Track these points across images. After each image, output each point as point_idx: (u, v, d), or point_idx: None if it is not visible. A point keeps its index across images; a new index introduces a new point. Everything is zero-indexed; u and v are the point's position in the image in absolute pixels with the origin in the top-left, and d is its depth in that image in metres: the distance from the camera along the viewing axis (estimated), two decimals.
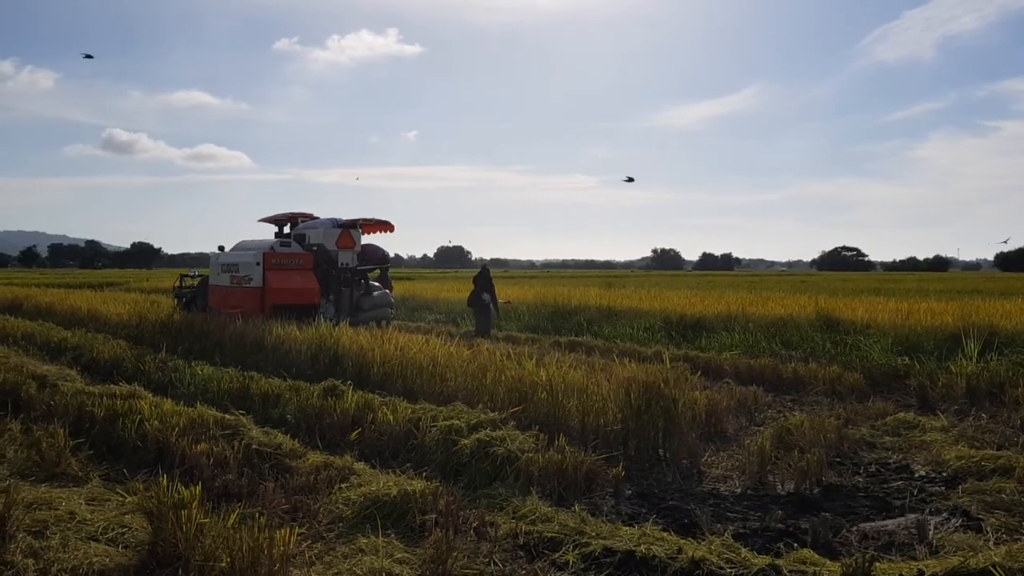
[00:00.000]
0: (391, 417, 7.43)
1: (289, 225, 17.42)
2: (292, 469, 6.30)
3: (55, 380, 9.60)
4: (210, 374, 9.98)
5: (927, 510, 5.68)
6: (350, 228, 16.50)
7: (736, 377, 11.16)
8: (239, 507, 5.12)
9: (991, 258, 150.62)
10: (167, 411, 7.46)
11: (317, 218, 17.12)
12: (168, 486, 4.70)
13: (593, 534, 4.87)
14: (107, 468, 6.65)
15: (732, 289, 27.40)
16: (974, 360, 10.59)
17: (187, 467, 6.25)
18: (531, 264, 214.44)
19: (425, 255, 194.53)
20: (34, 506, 5.23)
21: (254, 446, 6.65)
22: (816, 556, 4.52)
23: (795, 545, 4.85)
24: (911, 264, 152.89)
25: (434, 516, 5.12)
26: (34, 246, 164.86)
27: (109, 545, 4.74)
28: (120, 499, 5.51)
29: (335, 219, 16.62)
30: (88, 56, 28.55)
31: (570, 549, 4.73)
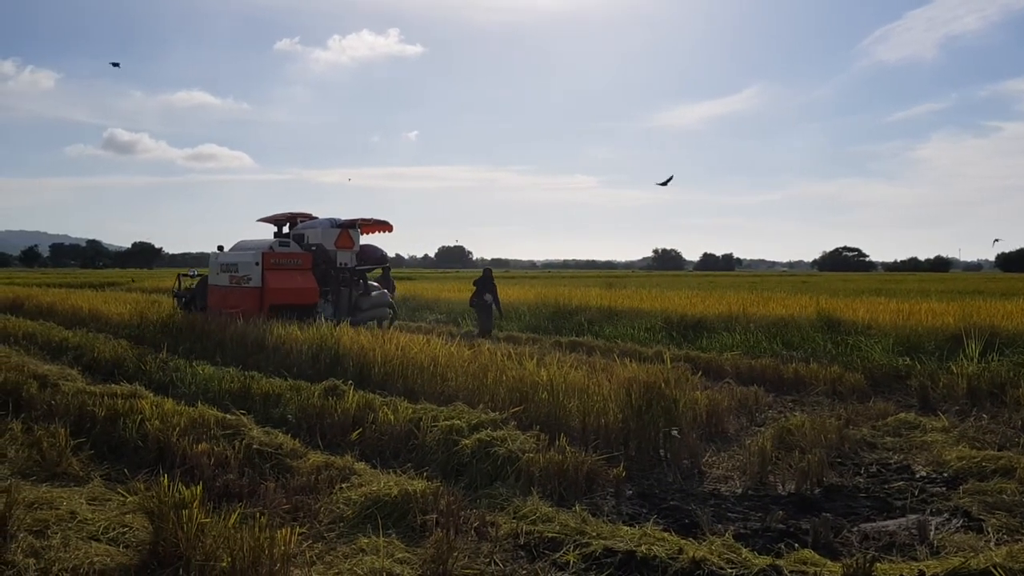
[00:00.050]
0: (392, 417, 7.43)
1: (288, 225, 17.45)
2: (293, 469, 6.31)
3: (56, 380, 9.61)
4: (211, 374, 9.98)
5: (928, 511, 5.68)
6: (349, 228, 16.54)
7: (737, 377, 11.16)
8: (240, 507, 5.12)
9: (992, 259, 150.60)
10: (168, 411, 7.46)
11: (316, 218, 17.16)
12: (169, 486, 4.70)
13: (594, 534, 4.87)
14: (108, 468, 6.65)
15: (733, 289, 27.39)
16: (975, 361, 10.59)
17: (188, 467, 6.26)
18: (532, 264, 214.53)
19: (426, 255, 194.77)
20: (35, 506, 5.23)
21: (255, 446, 6.65)
22: (817, 556, 4.52)
23: (796, 545, 4.85)
24: (912, 264, 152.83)
25: (435, 516, 5.12)
26: (35, 246, 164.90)
27: (110, 545, 4.75)
28: (121, 499, 5.51)
29: (334, 219, 16.65)
30: (115, 64, 27.76)
31: (571, 549, 4.73)
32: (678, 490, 6.35)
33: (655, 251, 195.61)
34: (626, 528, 5.05)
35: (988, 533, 5.16)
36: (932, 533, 5.13)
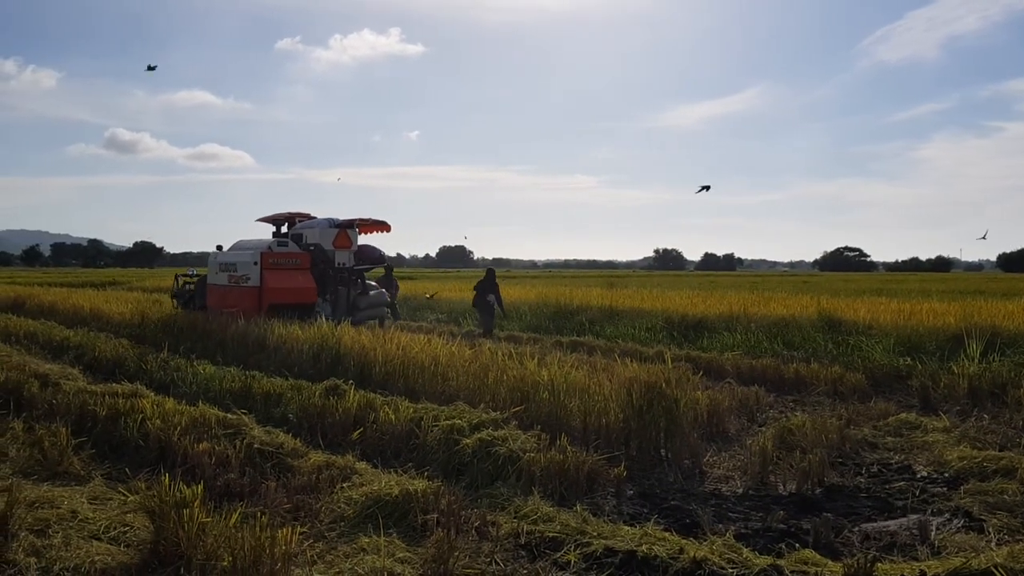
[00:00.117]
0: (393, 417, 7.44)
1: (287, 225, 17.51)
2: (294, 468, 6.31)
3: (57, 379, 9.61)
4: (212, 373, 9.98)
5: (929, 511, 5.68)
6: (347, 228, 16.60)
7: (738, 377, 11.16)
8: (241, 506, 5.12)
9: (994, 259, 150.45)
10: (169, 410, 7.47)
11: (314, 218, 17.21)
12: (170, 485, 4.70)
13: (595, 534, 4.87)
14: (109, 467, 6.66)
15: (734, 289, 27.38)
16: (976, 361, 10.58)
17: (189, 466, 6.26)
18: (533, 264, 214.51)
19: (427, 255, 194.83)
20: (36, 505, 5.24)
21: (256, 445, 6.65)
22: (818, 556, 4.52)
23: (797, 545, 4.84)
24: (913, 264, 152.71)
25: (436, 516, 5.12)
26: (37, 245, 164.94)
27: (111, 544, 4.75)
28: (122, 498, 5.52)
29: (332, 219, 16.71)
30: (152, 68, 26.60)
31: (572, 549, 4.73)
32: (679, 490, 6.35)
33: (656, 251, 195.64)
34: (627, 528, 5.06)
35: (989, 533, 5.16)
36: (933, 533, 5.13)
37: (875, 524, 5.44)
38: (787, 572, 4.30)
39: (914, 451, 7.48)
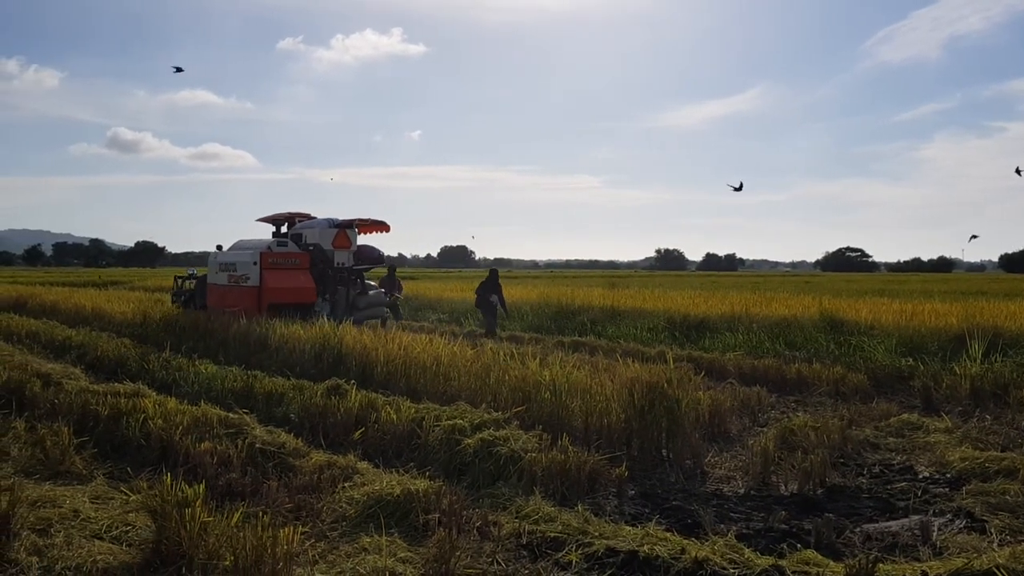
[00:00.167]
0: (394, 416, 7.44)
1: (286, 225, 17.56)
2: (296, 468, 6.31)
3: (59, 378, 9.62)
4: (214, 373, 9.99)
5: (931, 511, 5.67)
6: (346, 228, 16.67)
7: (740, 378, 11.15)
8: (243, 506, 5.13)
9: (996, 259, 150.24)
10: (171, 410, 7.47)
11: (314, 218, 17.25)
12: (172, 484, 4.71)
13: (596, 534, 4.87)
14: (111, 466, 6.66)
15: (736, 289, 27.37)
16: (978, 361, 10.57)
17: (191, 466, 6.26)
18: (534, 264, 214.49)
19: (429, 255, 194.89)
20: (38, 504, 5.25)
21: (258, 445, 6.66)
22: (820, 557, 4.51)
23: (799, 546, 4.84)
24: (915, 265, 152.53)
25: (437, 515, 5.11)
26: (39, 245, 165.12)
27: (113, 543, 4.76)
28: (124, 497, 5.52)
29: (331, 219, 16.78)
30: (178, 69, 26.28)
31: (573, 549, 4.73)
32: (680, 490, 6.35)
33: (658, 251, 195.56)
34: (628, 528, 5.05)
35: (991, 534, 5.16)
36: (935, 534, 5.12)
37: (877, 525, 5.43)
38: (789, 572, 4.29)
39: (916, 452, 7.48)
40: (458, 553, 4.53)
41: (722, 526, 5.33)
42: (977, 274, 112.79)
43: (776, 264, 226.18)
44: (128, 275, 58.44)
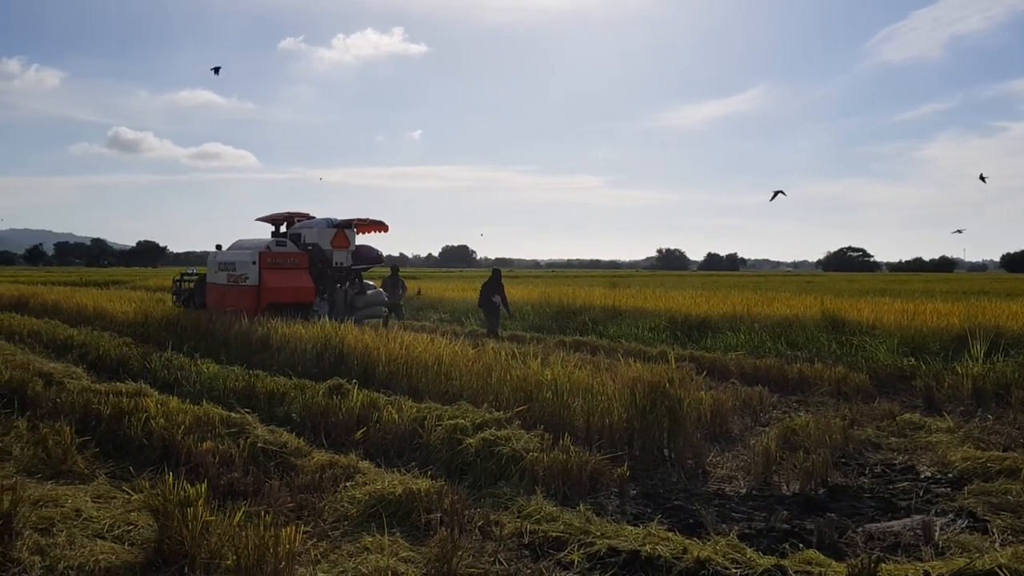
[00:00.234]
0: (396, 416, 7.44)
1: (285, 225, 17.60)
2: (297, 467, 6.31)
3: (61, 378, 9.63)
4: (216, 372, 10.00)
5: (933, 511, 5.67)
6: (345, 228, 16.72)
7: (741, 377, 11.15)
8: (245, 505, 5.13)
9: (998, 259, 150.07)
10: (173, 409, 7.47)
11: (313, 218, 17.29)
12: (174, 484, 4.71)
13: (598, 534, 4.87)
14: (113, 466, 6.67)
15: (737, 289, 27.36)
16: (980, 361, 10.57)
17: (193, 465, 6.26)
18: (536, 264, 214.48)
19: (430, 254, 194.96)
20: (40, 503, 5.25)
21: (260, 444, 6.66)
22: (822, 557, 4.51)
23: (800, 546, 4.84)
24: (917, 265, 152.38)
25: (439, 515, 5.11)
26: (40, 244, 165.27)
27: (115, 542, 4.76)
28: (126, 497, 5.53)
29: (330, 219, 16.83)
30: (216, 70, 25.77)
31: (575, 548, 4.73)
32: (682, 490, 6.35)
33: (659, 251, 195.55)
34: (630, 528, 5.05)
35: (993, 534, 5.15)
36: (937, 534, 5.12)
37: (879, 524, 5.43)
38: (791, 572, 4.29)
39: (918, 451, 7.47)
40: (460, 553, 4.53)
41: (724, 526, 5.33)
42: (979, 274, 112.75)
43: (778, 264, 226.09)
44: (130, 275, 58.51)
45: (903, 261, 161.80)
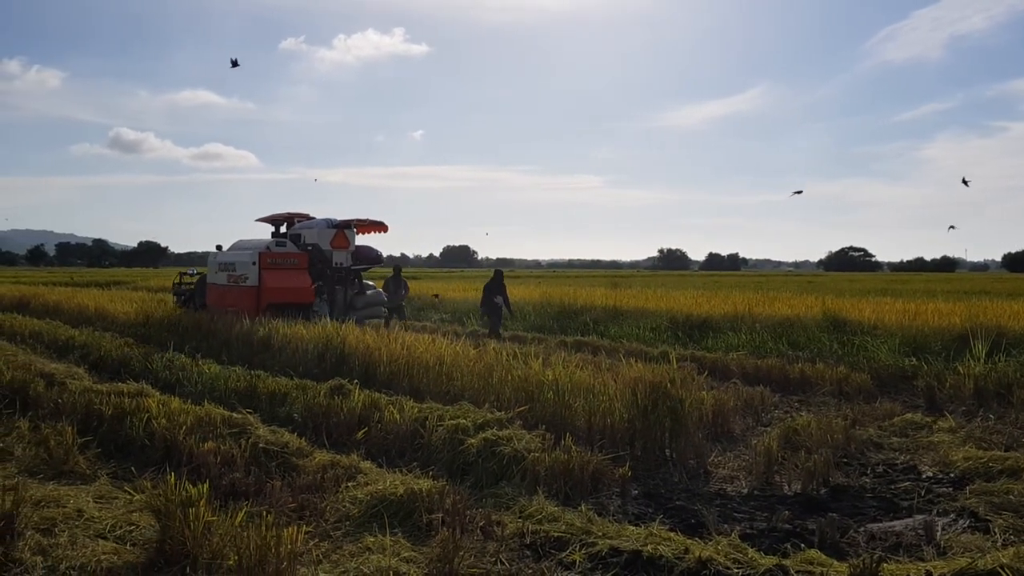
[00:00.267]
0: (397, 416, 7.44)
1: (285, 225, 17.62)
2: (299, 468, 6.31)
3: (63, 378, 9.64)
4: (217, 373, 10.00)
5: (935, 511, 5.66)
6: (345, 228, 16.74)
7: (743, 377, 11.13)
8: (246, 505, 5.14)
9: (999, 259, 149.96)
10: (174, 409, 7.48)
11: (313, 218, 17.30)
12: (176, 484, 4.71)
13: (600, 534, 4.87)
14: (115, 466, 6.68)
15: (738, 289, 27.34)
16: (982, 361, 10.55)
17: (194, 465, 6.27)
18: (537, 264, 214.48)
19: (431, 254, 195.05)
20: (42, 504, 5.25)
21: (261, 445, 6.66)
22: (823, 557, 4.51)
23: (802, 546, 4.84)
24: (918, 265, 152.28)
25: (441, 515, 5.11)
26: (41, 245, 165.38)
27: (117, 543, 4.76)
28: (128, 497, 5.53)
29: (330, 219, 16.85)
30: (235, 63, 25.21)
31: (577, 548, 4.73)
32: (684, 490, 6.35)
33: (660, 251, 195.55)
34: (632, 528, 5.05)
35: (995, 534, 5.15)
36: (939, 534, 5.12)
37: (881, 524, 5.43)
38: (792, 572, 4.29)
39: (919, 451, 7.47)
40: (462, 553, 4.53)
41: (726, 526, 5.33)
42: (980, 274, 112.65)
43: (779, 264, 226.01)
44: (131, 275, 58.54)
45: (904, 261, 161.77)
